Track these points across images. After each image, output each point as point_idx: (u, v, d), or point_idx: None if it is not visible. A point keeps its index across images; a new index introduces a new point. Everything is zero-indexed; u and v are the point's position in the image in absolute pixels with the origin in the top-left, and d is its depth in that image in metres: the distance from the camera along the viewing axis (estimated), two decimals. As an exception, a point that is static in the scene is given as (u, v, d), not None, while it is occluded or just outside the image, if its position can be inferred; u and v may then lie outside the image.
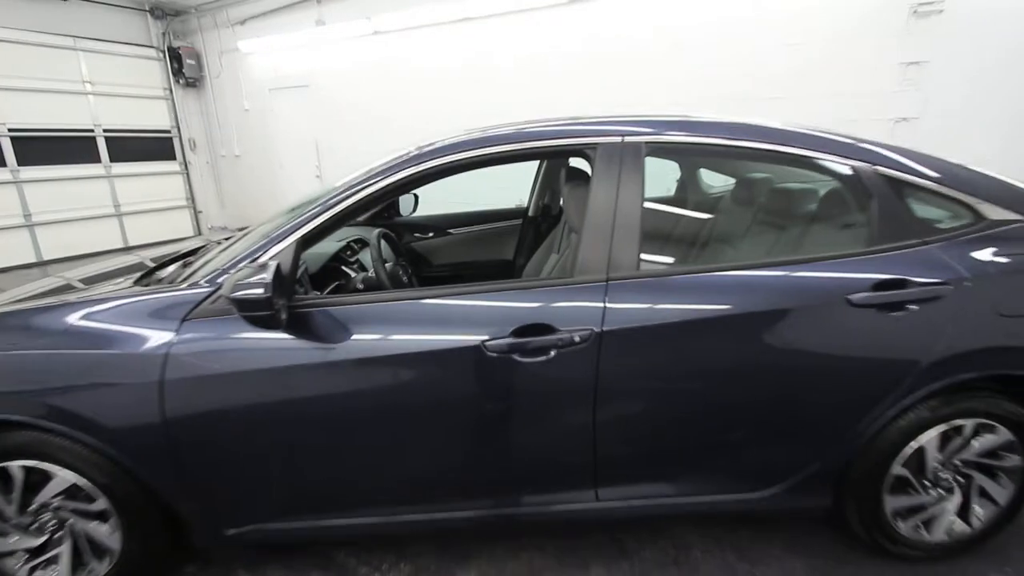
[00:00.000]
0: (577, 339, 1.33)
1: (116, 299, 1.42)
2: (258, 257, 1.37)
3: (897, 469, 1.52)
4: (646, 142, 1.45)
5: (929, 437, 1.49)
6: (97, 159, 6.75)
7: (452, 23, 5.63)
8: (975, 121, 4.02)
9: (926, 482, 1.55)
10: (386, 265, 1.88)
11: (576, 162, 2.33)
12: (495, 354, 1.33)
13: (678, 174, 2.18)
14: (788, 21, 4.38)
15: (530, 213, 2.92)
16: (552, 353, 1.33)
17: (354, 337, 1.35)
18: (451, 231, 3.01)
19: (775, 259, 1.43)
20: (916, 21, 4.03)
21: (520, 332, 1.34)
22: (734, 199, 1.81)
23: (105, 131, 6.77)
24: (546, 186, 2.89)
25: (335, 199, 1.44)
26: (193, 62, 7.35)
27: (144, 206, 7.25)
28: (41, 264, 6.33)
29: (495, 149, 1.49)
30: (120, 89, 6.88)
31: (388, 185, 1.45)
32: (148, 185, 7.32)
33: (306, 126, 7.01)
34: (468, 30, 5.60)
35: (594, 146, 1.45)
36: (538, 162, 2.84)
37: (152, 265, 1.80)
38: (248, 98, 7.34)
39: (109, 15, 6.78)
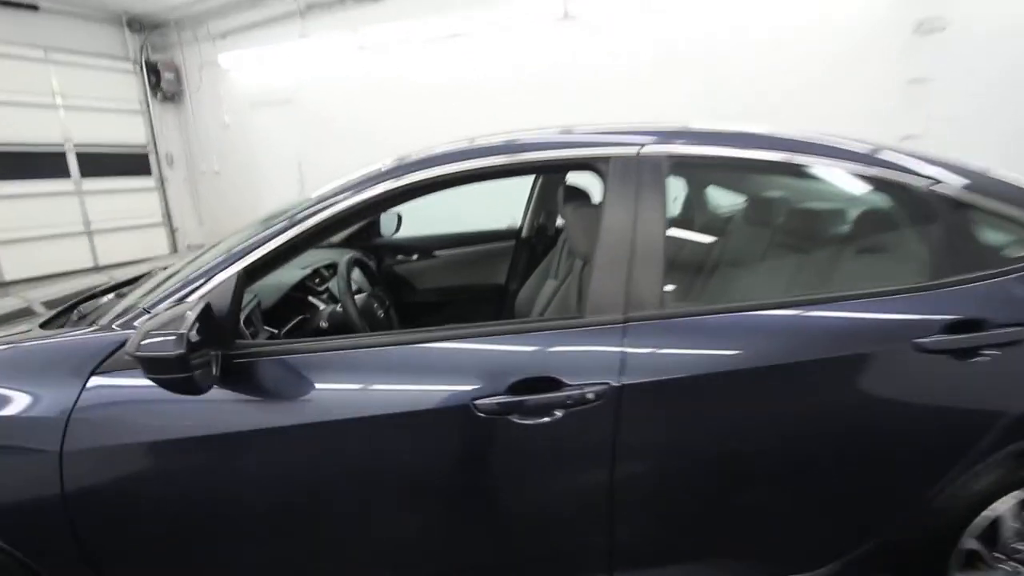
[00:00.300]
0: (590, 395, 1.07)
1: (7, 345, 1.13)
2: (187, 294, 1.09)
3: (968, 542, 1.27)
4: (667, 155, 1.21)
5: (1007, 504, 1.25)
6: (66, 175, 6.41)
7: (442, 38, 5.46)
8: (979, 138, 3.88)
9: (998, 556, 1.31)
10: (358, 296, 1.61)
11: (573, 178, 2.10)
12: (487, 415, 1.06)
13: (683, 192, 1.95)
14: (787, 39, 4.26)
15: (524, 234, 2.67)
16: (558, 414, 1.07)
17: (308, 395, 1.08)
18: (437, 253, 2.75)
19: (829, 294, 1.19)
20: (918, 39, 3.92)
21: (517, 387, 1.07)
22: (771, 223, 1.56)
23: (76, 146, 6.45)
24: (541, 204, 2.66)
25: (291, 220, 1.17)
26: (172, 76, 7.09)
27: (116, 224, 6.89)
28: (2, 284, 5.95)
29: (486, 162, 1.23)
30: (93, 103, 6.58)
31: (358, 204, 1.19)
32: (121, 202, 6.97)
33: (289, 142, 6.76)
34: (458, 45, 5.43)
35: (606, 159, 1.21)
36: (532, 178, 2.60)
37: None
38: (228, 113, 7.08)
39: (83, 27, 6.52)
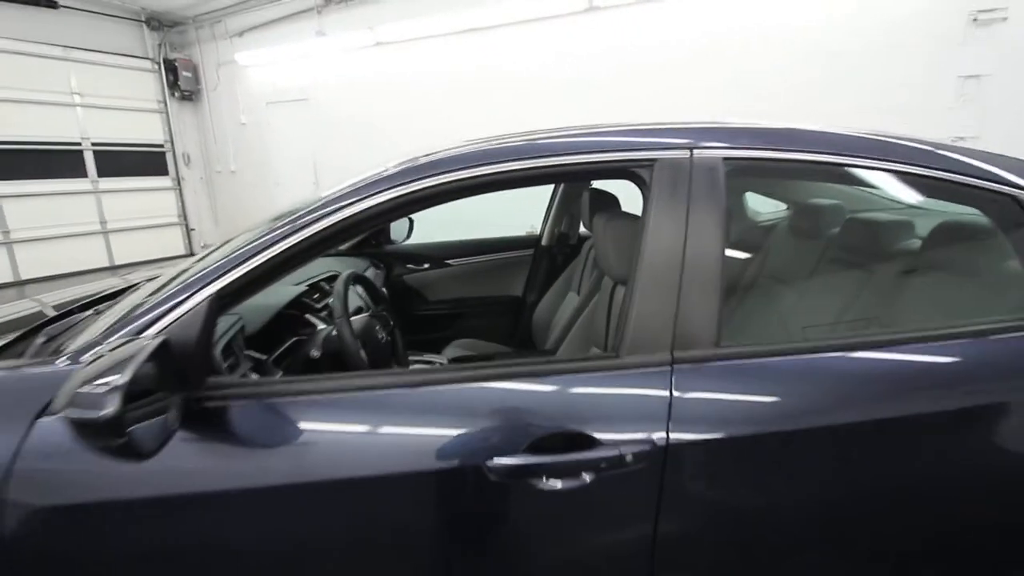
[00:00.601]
0: (628, 457, 0.86)
1: None
2: (149, 323, 0.92)
3: None
4: (724, 158, 0.99)
5: None
6: (83, 174, 6.40)
7: (459, 33, 5.29)
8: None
9: None
10: (358, 318, 1.43)
11: (599, 181, 1.91)
12: (501, 479, 0.87)
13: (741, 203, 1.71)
14: (828, 28, 3.97)
15: (543, 242, 2.48)
16: (587, 478, 0.87)
17: (288, 448, 0.89)
18: (450, 262, 2.57)
19: (928, 331, 0.96)
20: (975, 30, 3.61)
21: (540, 444, 0.88)
22: (852, 243, 1.32)
23: (93, 144, 6.43)
24: (563, 210, 2.46)
25: (274, 235, 0.99)
26: (189, 74, 7.05)
27: (133, 223, 6.87)
28: (18, 284, 5.95)
29: (505, 168, 1.02)
30: (111, 101, 6.56)
31: (352, 216, 0.99)
32: (138, 201, 6.95)
33: (305, 141, 6.68)
34: (476, 41, 5.25)
35: (650, 163, 1.00)
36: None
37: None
38: (245, 112, 7.02)
39: (102, 25, 6.50)
